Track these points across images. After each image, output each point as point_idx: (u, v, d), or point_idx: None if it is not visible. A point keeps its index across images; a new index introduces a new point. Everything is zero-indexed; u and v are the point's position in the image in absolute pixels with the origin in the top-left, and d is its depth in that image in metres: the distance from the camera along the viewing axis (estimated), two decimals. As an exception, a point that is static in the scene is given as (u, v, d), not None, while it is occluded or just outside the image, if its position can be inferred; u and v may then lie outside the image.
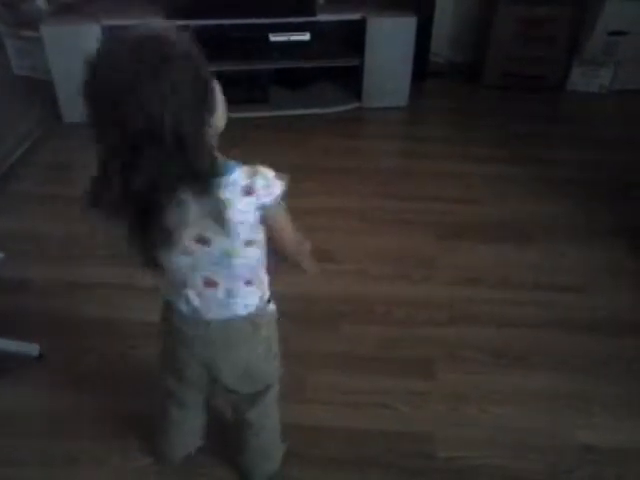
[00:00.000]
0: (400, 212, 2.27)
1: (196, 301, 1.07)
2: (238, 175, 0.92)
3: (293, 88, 3.01)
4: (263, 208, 0.96)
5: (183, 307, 1.09)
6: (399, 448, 1.48)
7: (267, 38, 2.81)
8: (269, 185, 0.94)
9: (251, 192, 0.93)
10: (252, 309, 1.10)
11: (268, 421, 1.29)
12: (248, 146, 2.62)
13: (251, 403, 1.24)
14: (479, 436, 1.51)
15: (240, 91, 2.82)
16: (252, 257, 1.03)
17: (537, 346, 1.74)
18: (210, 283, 1.04)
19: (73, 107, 2.72)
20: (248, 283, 1.07)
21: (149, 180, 0.82)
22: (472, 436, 1.51)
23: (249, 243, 1.00)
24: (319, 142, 2.71)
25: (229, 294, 1.06)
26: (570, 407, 1.58)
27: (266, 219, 0.99)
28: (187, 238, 0.95)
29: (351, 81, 2.97)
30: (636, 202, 2.32)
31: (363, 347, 1.73)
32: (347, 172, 2.51)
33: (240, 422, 1.29)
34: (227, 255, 0.99)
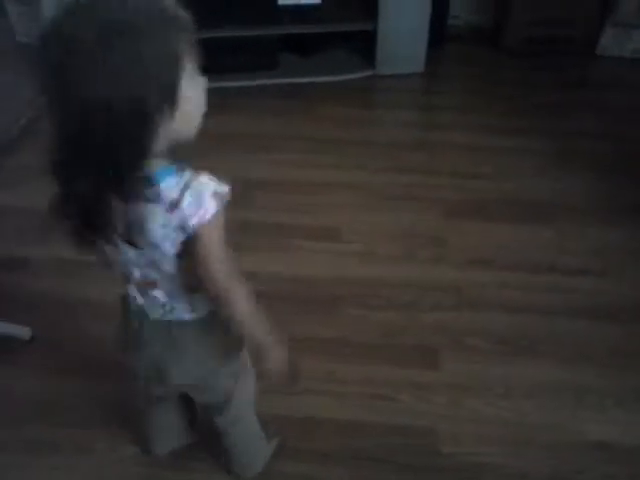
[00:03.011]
0: (411, 187, 2.15)
1: (139, 299, 0.98)
2: (167, 187, 0.79)
3: (303, 54, 2.88)
4: (184, 230, 0.82)
5: (131, 302, 1.00)
6: (399, 443, 1.41)
7: (276, 1, 2.67)
8: (199, 204, 0.80)
9: (174, 209, 0.80)
10: (203, 314, 0.99)
11: (238, 427, 1.21)
12: (254, 115, 2.55)
13: (215, 411, 1.16)
14: (483, 431, 1.42)
15: (247, 57, 2.68)
16: (186, 267, 0.89)
17: (550, 335, 1.64)
18: (148, 282, 0.94)
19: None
20: (193, 290, 0.94)
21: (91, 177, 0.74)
22: (476, 431, 1.43)
23: (180, 255, 0.87)
24: (329, 111, 2.58)
25: (170, 296, 0.95)
26: (582, 401, 1.48)
27: (190, 242, 0.84)
28: (118, 237, 0.84)
29: (364, 47, 2.82)
30: (665, 178, 2.17)
31: (364, 333, 1.64)
32: (357, 144, 2.39)
33: (212, 424, 1.21)
34: (155, 262, 0.88)
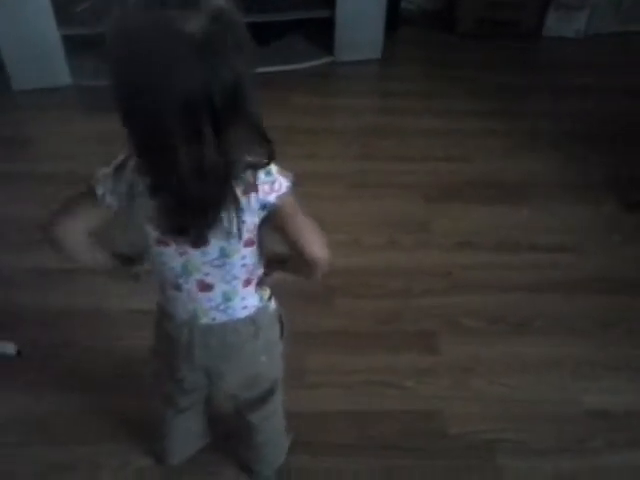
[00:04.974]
0: (387, 174, 2.17)
1: (190, 306, 0.96)
2: None
3: (262, 43, 2.82)
4: (266, 207, 0.84)
5: (176, 312, 0.98)
6: (408, 428, 1.43)
7: (232, -11, 2.61)
8: (273, 181, 0.83)
9: (251, 189, 0.82)
10: (252, 310, 1.00)
11: (271, 422, 1.21)
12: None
13: (254, 406, 1.16)
14: (488, 410, 1.47)
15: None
16: (251, 256, 0.92)
17: (537, 311, 1.70)
18: (205, 286, 0.93)
19: (23, 72, 2.49)
20: (247, 283, 0.96)
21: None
22: (481, 410, 1.46)
23: (249, 243, 0.89)
24: (294, 101, 2.56)
25: (226, 297, 0.95)
26: (576, 372, 1.55)
27: (274, 220, 0.87)
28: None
29: (322, 34, 2.80)
30: (625, 152, 2.27)
31: (361, 323, 1.65)
32: (326, 133, 2.38)
33: (242, 422, 1.21)
34: (224, 255, 0.88)
